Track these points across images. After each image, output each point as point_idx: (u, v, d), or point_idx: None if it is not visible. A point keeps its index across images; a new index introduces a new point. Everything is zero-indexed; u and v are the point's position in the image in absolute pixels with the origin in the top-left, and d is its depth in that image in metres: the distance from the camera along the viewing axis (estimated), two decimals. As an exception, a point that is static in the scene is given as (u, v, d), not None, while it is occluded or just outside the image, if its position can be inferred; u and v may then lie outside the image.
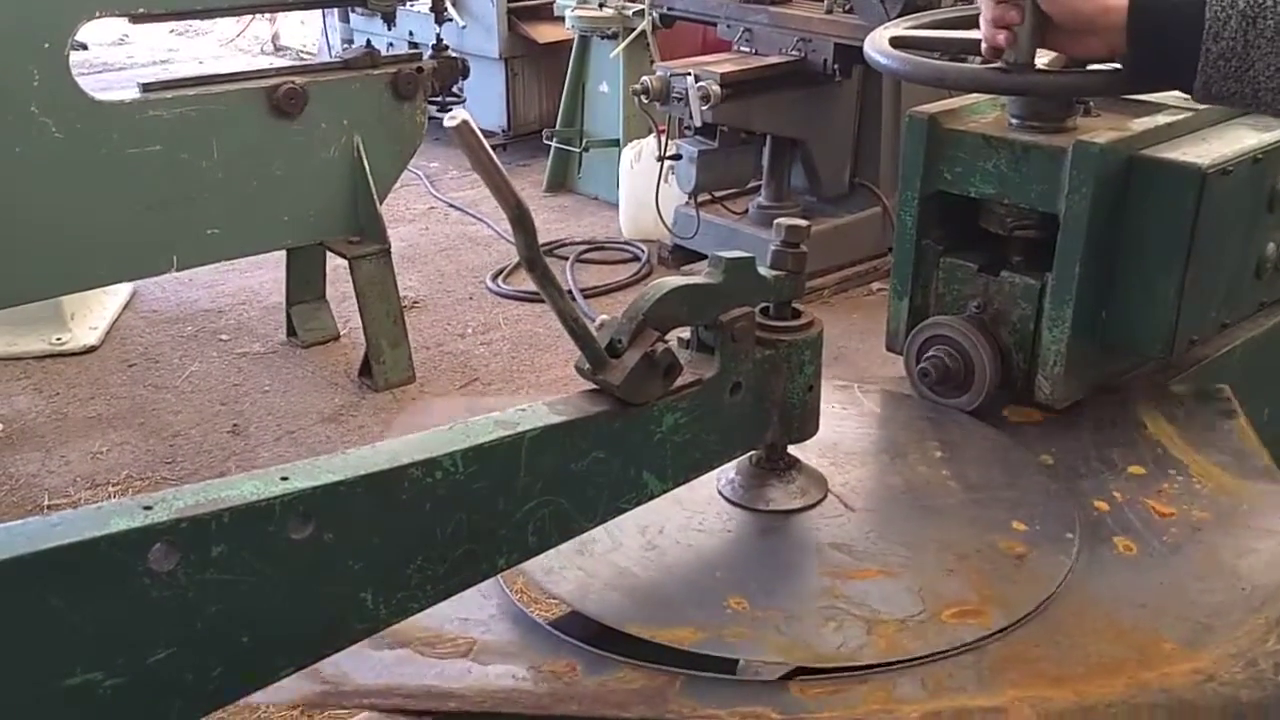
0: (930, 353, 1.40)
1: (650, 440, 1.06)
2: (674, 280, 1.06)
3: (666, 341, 1.04)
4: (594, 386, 1.04)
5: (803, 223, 1.14)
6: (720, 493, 1.23)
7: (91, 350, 4.56)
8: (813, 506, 1.22)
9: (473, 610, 1.11)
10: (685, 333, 1.13)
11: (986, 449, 1.32)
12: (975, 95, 1.46)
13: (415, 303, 5.02)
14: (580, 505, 1.02)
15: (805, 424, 1.19)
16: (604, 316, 1.06)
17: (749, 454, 1.23)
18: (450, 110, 0.88)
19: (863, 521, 1.20)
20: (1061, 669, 0.98)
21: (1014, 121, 1.35)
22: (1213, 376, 1.60)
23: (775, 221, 1.15)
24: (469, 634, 1.08)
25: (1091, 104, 1.39)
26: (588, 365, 1.02)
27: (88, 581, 0.76)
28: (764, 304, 1.15)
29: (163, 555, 0.79)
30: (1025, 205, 1.33)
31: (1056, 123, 1.33)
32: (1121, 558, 1.12)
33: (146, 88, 3.66)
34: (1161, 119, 1.36)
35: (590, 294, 5.01)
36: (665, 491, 1.09)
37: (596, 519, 1.05)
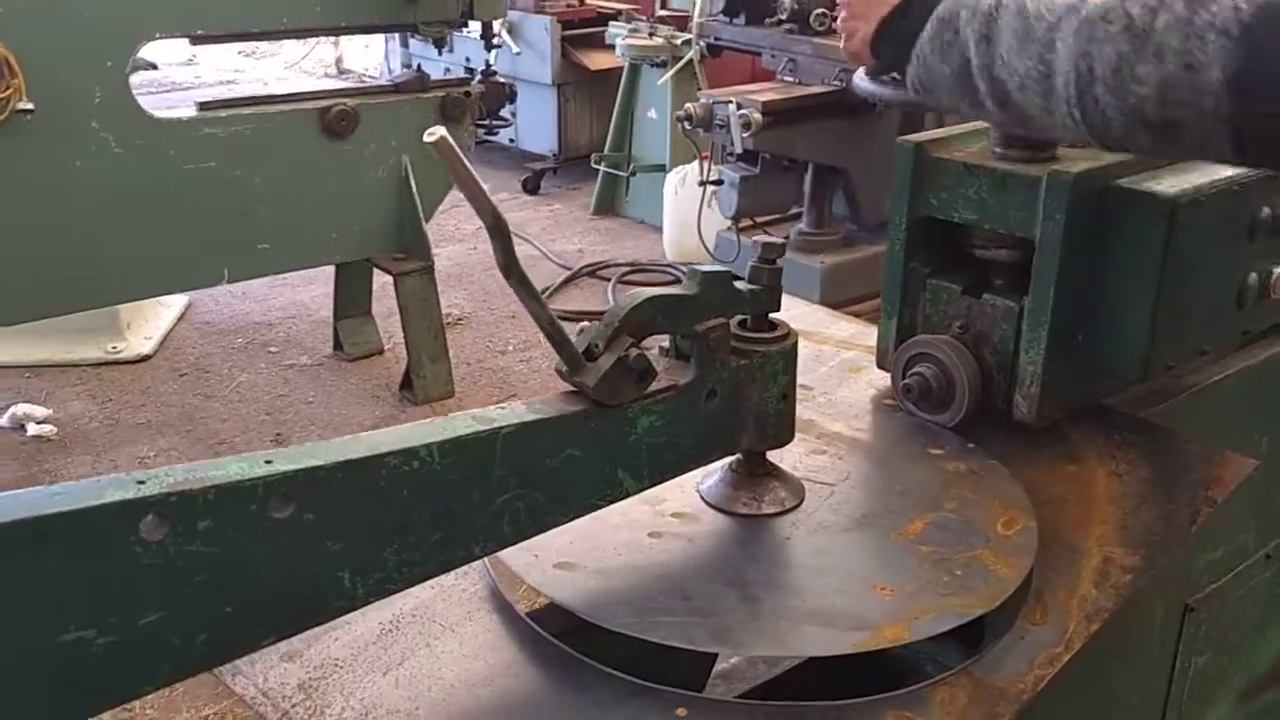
0: (914, 370, 1.45)
1: (625, 441, 1.12)
2: (650, 290, 1.12)
3: (640, 347, 1.10)
4: (572, 388, 1.10)
5: (779, 240, 1.20)
6: (700, 496, 1.28)
7: (145, 359, 4.73)
8: (788, 512, 1.27)
9: (454, 594, 1.18)
10: (666, 343, 1.19)
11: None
12: (969, 124, 1.51)
13: (459, 319, 5.14)
14: (555, 499, 1.08)
15: (780, 431, 1.24)
16: (584, 324, 1.12)
17: (730, 459, 1.28)
18: (425, 136, 0.95)
19: (835, 526, 1.25)
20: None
21: (996, 150, 1.40)
22: (1204, 404, 1.63)
23: (753, 239, 1.21)
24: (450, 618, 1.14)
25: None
26: (565, 368, 1.09)
27: (83, 546, 0.83)
28: (743, 316, 1.21)
29: (153, 526, 0.86)
30: (1004, 231, 1.38)
31: (1036, 152, 1.38)
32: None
33: (204, 106, 3.82)
34: (1142, 150, 1.40)
35: (629, 316, 5.08)
36: (641, 490, 1.15)
37: (571, 513, 1.10)
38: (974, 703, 1.06)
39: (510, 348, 4.93)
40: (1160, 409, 1.58)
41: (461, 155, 0.94)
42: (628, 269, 5.65)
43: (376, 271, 4.65)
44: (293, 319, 5.25)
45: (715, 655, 1.35)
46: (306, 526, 0.94)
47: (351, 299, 4.84)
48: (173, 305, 5.09)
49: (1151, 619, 1.63)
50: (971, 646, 1.19)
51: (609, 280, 5.47)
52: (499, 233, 0.99)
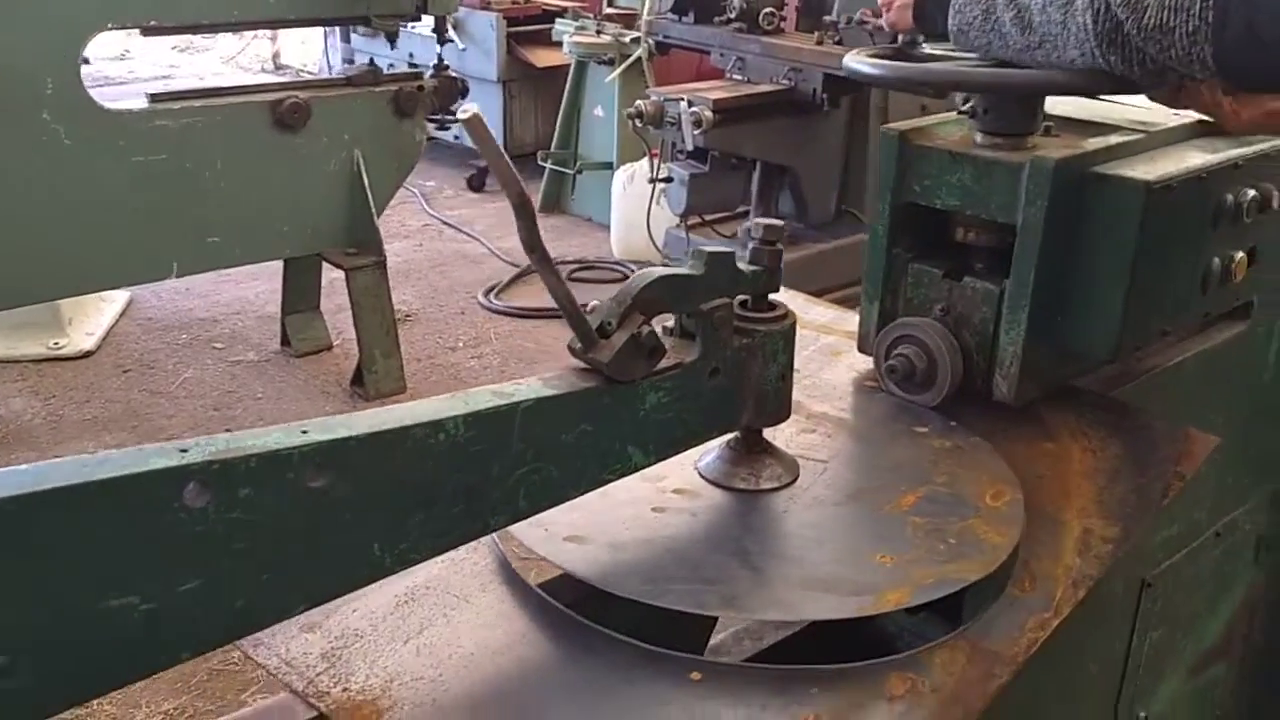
0: (898, 351, 1.50)
1: (635, 416, 1.15)
2: (659, 270, 1.16)
3: (651, 325, 1.13)
4: (584, 365, 1.13)
5: (779, 222, 1.24)
6: (699, 473, 1.32)
7: (88, 355, 4.65)
8: (784, 488, 1.31)
9: (465, 568, 1.20)
10: (670, 322, 1.23)
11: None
12: (944, 115, 1.57)
13: (408, 316, 5.12)
14: (568, 473, 1.12)
15: (778, 409, 1.28)
16: (595, 301, 1.16)
17: (728, 438, 1.32)
18: (459, 113, 0.98)
19: (830, 500, 1.30)
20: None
21: (978, 139, 1.46)
22: (1165, 386, 1.71)
23: (753, 221, 1.26)
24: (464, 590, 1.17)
25: (1051, 124, 1.50)
26: (579, 345, 1.12)
27: (129, 512, 0.84)
28: (743, 297, 1.25)
29: (196, 493, 0.87)
30: (986, 216, 1.44)
31: (1017, 139, 1.44)
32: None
33: (155, 98, 3.77)
34: (1114, 139, 1.46)
35: (580, 312, 5.11)
36: (647, 465, 1.18)
37: (583, 487, 1.14)
38: (972, 664, 1.11)
39: (460, 344, 4.93)
40: (1124, 390, 1.65)
41: (492, 133, 0.96)
42: (576, 266, 5.68)
43: (324, 267, 4.63)
44: (238, 315, 5.19)
45: (713, 624, 1.40)
46: (340, 496, 0.96)
47: (300, 294, 4.81)
48: (115, 301, 5.01)
49: (1112, 593, 1.70)
50: (950, 621, 1.24)
51: (558, 277, 5.49)
52: (524, 211, 1.02)
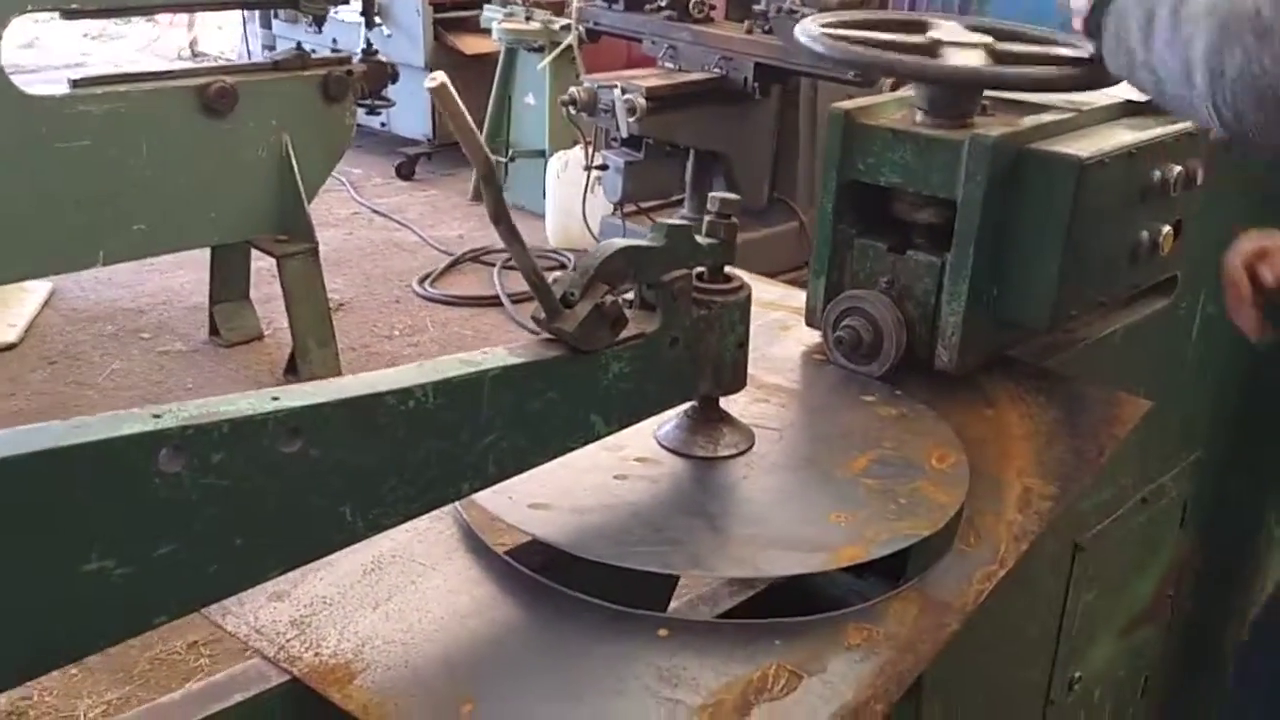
0: (845, 323, 1.55)
1: (598, 386, 1.18)
2: (620, 241, 1.18)
3: (615, 295, 1.16)
4: (549, 335, 1.15)
5: (734, 196, 1.27)
6: (658, 441, 1.35)
7: (11, 347, 4.54)
8: (741, 454, 1.35)
9: (430, 537, 1.22)
10: (629, 295, 1.25)
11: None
12: (888, 95, 1.62)
13: (341, 305, 5.08)
14: (535, 441, 1.14)
15: (735, 378, 1.32)
16: (557, 273, 1.18)
17: (685, 407, 1.35)
18: (426, 82, 1.00)
19: (786, 465, 1.34)
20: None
21: (919, 117, 1.51)
22: (1093, 357, 1.78)
23: (709, 195, 1.29)
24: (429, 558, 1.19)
25: (987, 103, 1.55)
26: (544, 315, 1.14)
27: (106, 477, 0.85)
28: (700, 269, 1.28)
29: (170, 458, 0.88)
30: (928, 192, 1.49)
31: (957, 119, 1.49)
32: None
33: (76, 83, 3.69)
34: (1048, 117, 1.53)
35: (518, 300, 5.11)
36: (610, 434, 1.21)
37: (549, 455, 1.16)
38: (924, 614, 1.16)
39: (396, 332, 4.90)
40: (1056, 361, 1.72)
41: (459, 103, 0.98)
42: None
43: (253, 255, 4.57)
44: (164, 305, 5.10)
45: (675, 586, 1.44)
46: (312, 461, 0.97)
47: (229, 283, 4.74)
48: (36, 291, 4.90)
49: (1047, 556, 1.77)
50: (894, 583, 1.29)
51: (493, 265, 5.48)
52: (490, 182, 1.04)
